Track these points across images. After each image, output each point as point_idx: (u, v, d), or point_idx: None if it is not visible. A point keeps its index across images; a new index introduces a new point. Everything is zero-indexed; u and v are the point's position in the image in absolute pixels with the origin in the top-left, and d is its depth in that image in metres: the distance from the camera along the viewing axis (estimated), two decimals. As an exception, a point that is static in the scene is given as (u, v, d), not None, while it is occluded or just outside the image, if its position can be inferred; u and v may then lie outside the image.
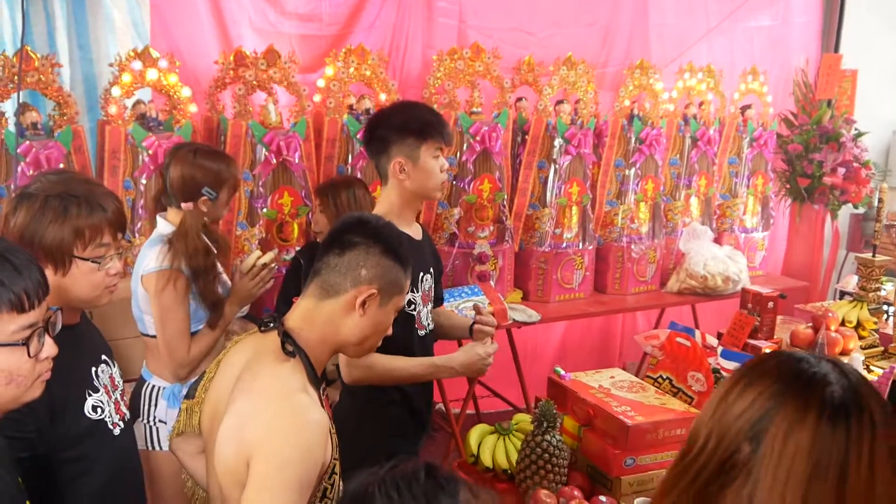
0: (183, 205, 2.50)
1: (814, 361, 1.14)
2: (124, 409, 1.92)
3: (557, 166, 4.04)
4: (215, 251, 2.57)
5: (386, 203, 2.40)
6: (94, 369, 1.83)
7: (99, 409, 1.80)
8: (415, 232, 2.45)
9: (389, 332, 1.78)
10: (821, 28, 5.18)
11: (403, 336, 1.83)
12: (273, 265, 2.57)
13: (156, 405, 2.50)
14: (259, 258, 2.57)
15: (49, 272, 1.66)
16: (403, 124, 2.37)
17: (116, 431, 1.85)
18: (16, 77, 2.89)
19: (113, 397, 1.87)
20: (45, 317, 1.39)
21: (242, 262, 2.60)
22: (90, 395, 1.79)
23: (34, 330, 1.35)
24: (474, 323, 2.51)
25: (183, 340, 2.46)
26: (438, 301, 2.65)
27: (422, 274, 2.39)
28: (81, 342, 1.83)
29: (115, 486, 1.85)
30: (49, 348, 1.40)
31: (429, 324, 2.50)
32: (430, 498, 0.94)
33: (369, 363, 2.20)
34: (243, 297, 2.54)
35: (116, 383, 1.91)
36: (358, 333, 1.67)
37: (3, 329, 1.31)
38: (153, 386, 2.52)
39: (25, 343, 1.34)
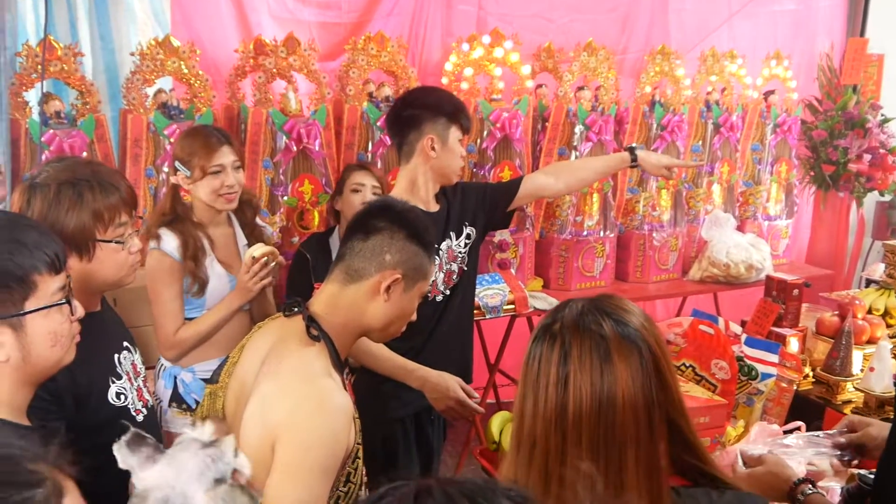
0: (171, 178, 2.58)
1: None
2: (147, 396, 1.93)
3: (578, 153, 4.01)
4: (208, 234, 2.57)
5: (405, 181, 2.47)
6: (116, 356, 1.84)
7: (122, 396, 1.81)
8: (431, 206, 2.49)
9: (414, 317, 1.78)
10: (846, 12, 5.08)
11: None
12: (265, 259, 2.47)
13: (157, 383, 2.56)
14: (254, 253, 2.50)
15: (73, 260, 1.68)
16: (438, 104, 2.47)
17: (140, 418, 1.85)
18: (39, 66, 2.91)
19: (135, 384, 1.88)
20: (68, 280, 1.43)
21: (244, 256, 2.59)
22: (113, 382, 1.79)
23: (66, 290, 1.40)
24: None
25: (169, 320, 2.48)
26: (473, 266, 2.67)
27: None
28: (103, 329, 1.84)
29: None
30: (80, 308, 1.44)
31: (446, 289, 2.55)
32: None
33: None
34: (243, 290, 2.52)
35: (139, 370, 1.92)
36: (382, 318, 1.67)
37: (45, 290, 1.35)
38: (161, 364, 2.59)
39: (67, 301, 1.39)
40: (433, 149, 2.42)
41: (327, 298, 1.66)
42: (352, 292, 1.65)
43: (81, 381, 1.68)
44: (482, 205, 2.66)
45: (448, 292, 2.55)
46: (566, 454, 1.15)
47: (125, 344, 1.90)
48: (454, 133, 2.45)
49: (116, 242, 1.76)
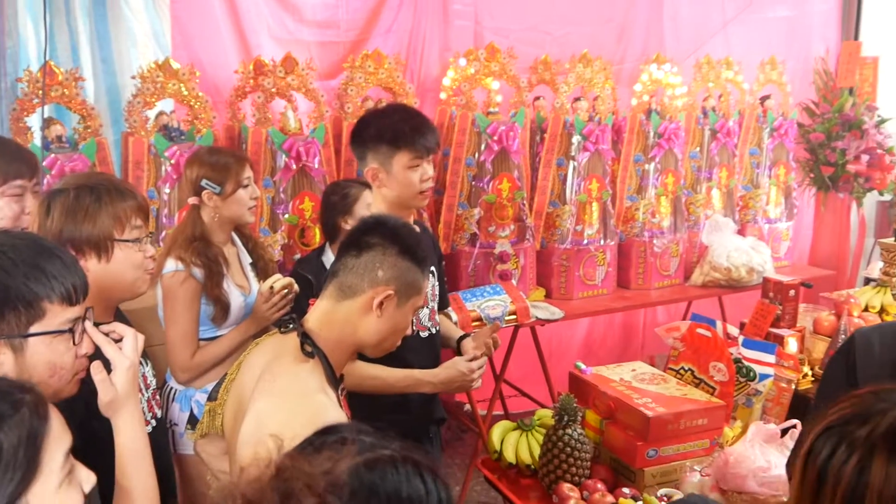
0: (189, 199, 2.56)
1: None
2: (156, 408, 1.95)
3: (576, 163, 4.05)
4: (224, 255, 2.57)
5: (375, 207, 2.39)
6: None
7: None
8: None
9: (408, 332, 1.80)
10: (840, 16, 5.11)
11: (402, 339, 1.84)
12: (285, 291, 2.52)
13: (170, 407, 2.55)
14: (273, 283, 2.54)
15: (93, 261, 1.75)
16: (377, 133, 2.32)
17: (148, 429, 1.88)
18: (40, 92, 2.96)
19: (146, 395, 1.90)
20: (83, 316, 1.43)
21: (262, 285, 2.62)
22: None
23: (77, 324, 1.40)
24: (462, 337, 2.49)
25: (185, 344, 2.48)
26: (442, 304, 2.63)
27: None
28: (116, 340, 1.87)
29: None
30: (87, 344, 1.44)
31: (432, 325, 2.47)
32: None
33: (347, 369, 2.19)
34: (260, 319, 2.54)
35: (149, 382, 1.94)
36: (375, 334, 1.69)
37: (52, 319, 1.35)
38: (171, 388, 2.57)
39: (71, 331, 1.38)
40: (376, 178, 2.32)
41: (321, 315, 1.68)
42: (345, 308, 1.67)
43: (94, 389, 1.71)
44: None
45: (434, 330, 2.50)
46: None
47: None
48: (400, 159, 2.29)
49: (133, 241, 1.81)
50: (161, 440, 1.98)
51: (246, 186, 2.59)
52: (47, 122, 3.05)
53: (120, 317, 1.95)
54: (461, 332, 2.59)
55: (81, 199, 1.76)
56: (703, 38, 4.62)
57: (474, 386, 2.37)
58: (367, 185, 3.02)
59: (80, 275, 1.41)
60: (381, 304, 1.66)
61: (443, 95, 3.90)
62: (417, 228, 2.45)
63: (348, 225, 2.98)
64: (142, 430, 1.49)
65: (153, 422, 1.91)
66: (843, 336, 2.71)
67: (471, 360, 2.32)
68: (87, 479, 1.14)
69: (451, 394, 2.28)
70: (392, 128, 2.33)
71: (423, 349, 2.42)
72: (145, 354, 1.96)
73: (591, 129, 4.02)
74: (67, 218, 1.75)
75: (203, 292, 2.49)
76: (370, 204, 2.86)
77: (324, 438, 0.93)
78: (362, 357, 2.09)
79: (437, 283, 2.52)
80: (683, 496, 2.02)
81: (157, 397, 2.00)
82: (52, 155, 3.01)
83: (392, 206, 2.35)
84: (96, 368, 1.43)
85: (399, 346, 2.19)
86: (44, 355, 1.35)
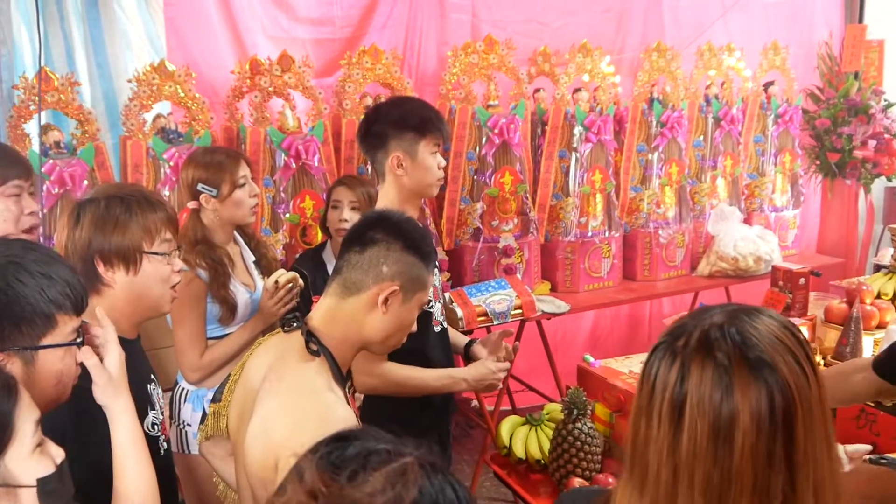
0: (188, 204, 2.54)
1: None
2: (168, 430, 1.95)
3: (579, 155, 4.01)
4: (229, 255, 2.56)
5: (385, 201, 2.34)
6: (149, 385, 1.84)
7: (155, 427, 1.81)
8: None
9: (414, 328, 1.77)
10: (843, -1, 5.08)
11: (420, 334, 1.80)
12: (290, 286, 2.51)
13: (182, 408, 2.53)
14: (278, 278, 2.52)
15: (120, 273, 1.73)
16: (402, 119, 2.31)
17: (162, 452, 1.85)
18: (37, 98, 2.93)
19: (160, 417, 1.89)
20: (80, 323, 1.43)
21: (266, 281, 2.60)
22: (149, 410, 1.79)
23: (79, 332, 1.40)
24: (469, 343, 2.49)
25: (194, 344, 2.47)
26: None
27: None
28: (140, 357, 1.85)
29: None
30: (86, 352, 1.44)
31: (443, 320, 2.46)
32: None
33: (384, 371, 2.15)
34: (267, 315, 2.53)
35: (160, 403, 1.93)
36: (381, 331, 1.66)
37: (63, 329, 1.35)
38: (182, 388, 2.56)
39: (80, 343, 1.39)
40: (401, 166, 2.30)
41: (325, 312, 1.65)
42: (350, 305, 1.64)
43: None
44: None
45: (445, 325, 2.48)
46: (676, 495, 1.02)
47: (151, 376, 1.90)
48: (425, 146, 2.31)
49: (162, 255, 1.78)
50: (170, 461, 1.94)
51: (242, 185, 2.56)
52: (45, 129, 3.02)
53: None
54: (466, 339, 2.59)
55: (112, 209, 1.73)
56: (703, 24, 4.58)
57: (499, 387, 2.41)
58: (344, 183, 3.04)
59: (83, 283, 1.41)
60: (386, 300, 1.62)
61: (442, 90, 3.86)
62: None
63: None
64: (136, 419, 1.50)
65: (165, 444, 1.87)
66: (854, 325, 2.67)
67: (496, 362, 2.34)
68: (58, 453, 1.16)
69: (477, 392, 2.33)
70: (417, 114, 2.34)
71: (440, 345, 2.41)
72: (155, 374, 1.94)
73: (592, 119, 3.99)
74: (97, 228, 1.72)
75: (209, 293, 2.47)
76: (336, 200, 2.91)
77: (343, 450, 0.91)
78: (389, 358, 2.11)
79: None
80: None
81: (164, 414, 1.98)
82: (51, 161, 2.98)
83: (408, 196, 2.34)
84: (87, 354, 1.42)
85: (421, 343, 2.22)
86: (54, 365, 1.35)
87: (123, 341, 1.64)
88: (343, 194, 2.95)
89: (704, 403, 1.00)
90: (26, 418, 1.10)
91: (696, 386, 1.01)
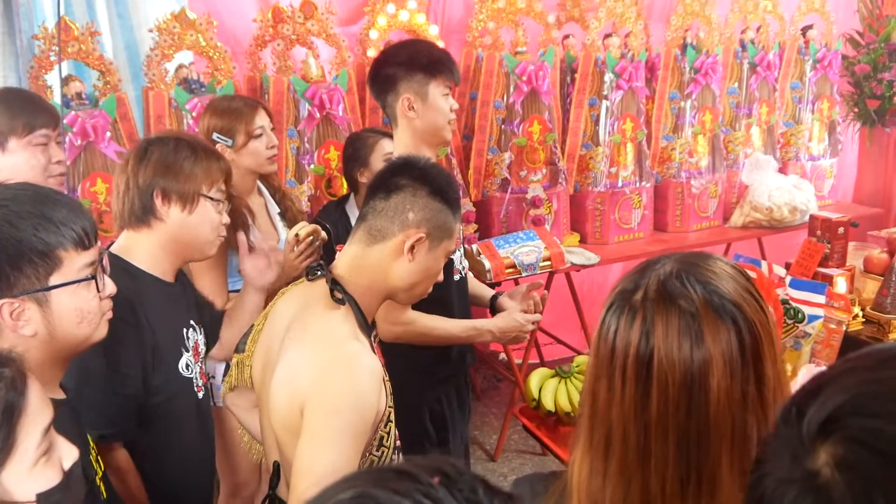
0: None
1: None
2: (207, 375, 1.97)
3: (609, 103, 3.91)
4: (248, 206, 2.53)
5: (400, 146, 2.30)
6: (185, 330, 1.88)
7: (189, 368, 1.85)
8: None
9: (440, 277, 1.73)
10: (886, -63, 4.85)
11: (440, 282, 1.76)
12: (311, 239, 2.42)
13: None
14: (298, 231, 2.49)
15: (175, 210, 1.80)
16: (411, 60, 2.25)
17: (200, 395, 1.90)
18: (57, 48, 2.89)
19: (199, 361, 1.91)
20: (99, 256, 1.42)
21: (287, 234, 2.55)
22: (184, 352, 1.84)
23: (95, 266, 1.39)
24: (495, 296, 2.46)
25: (215, 296, 2.42)
26: None
27: None
28: (175, 301, 1.88)
29: (198, 445, 1.92)
30: (110, 286, 1.44)
31: (463, 267, 2.43)
32: None
33: (409, 320, 2.12)
34: (289, 269, 2.49)
35: (200, 350, 1.94)
36: (407, 279, 1.62)
37: (71, 266, 1.34)
38: None
39: (93, 277, 1.38)
40: (412, 108, 2.23)
41: (350, 260, 1.61)
42: (375, 253, 1.60)
43: (159, 340, 1.75)
44: None
45: (464, 273, 2.45)
46: (649, 453, 0.98)
47: (192, 322, 1.92)
48: (435, 87, 2.23)
49: (217, 201, 1.86)
50: (208, 408, 1.99)
51: (259, 136, 2.52)
52: (66, 80, 2.98)
53: (182, 277, 1.96)
54: (492, 291, 2.56)
55: (180, 150, 1.83)
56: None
57: (525, 339, 2.41)
58: (386, 135, 2.96)
59: (89, 217, 1.39)
60: (412, 247, 1.58)
61: (468, 37, 3.75)
62: None
63: (364, 177, 2.89)
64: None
65: (203, 389, 1.92)
66: (895, 275, 2.58)
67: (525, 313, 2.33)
68: (69, 454, 1.11)
69: (503, 344, 2.32)
70: (427, 54, 2.29)
71: (458, 293, 2.37)
72: (199, 321, 1.97)
73: (623, 66, 3.87)
74: (163, 164, 1.80)
75: (228, 244, 2.43)
76: (389, 153, 2.77)
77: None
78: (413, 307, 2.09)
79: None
80: None
81: (206, 365, 2.00)
82: (73, 112, 2.95)
83: (422, 138, 2.28)
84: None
85: (444, 292, 2.17)
86: (70, 304, 1.35)
87: (160, 283, 1.80)
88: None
89: (674, 354, 0.97)
90: (33, 425, 1.03)
91: (662, 338, 0.97)
